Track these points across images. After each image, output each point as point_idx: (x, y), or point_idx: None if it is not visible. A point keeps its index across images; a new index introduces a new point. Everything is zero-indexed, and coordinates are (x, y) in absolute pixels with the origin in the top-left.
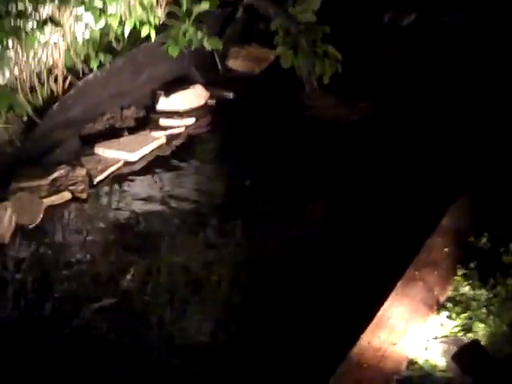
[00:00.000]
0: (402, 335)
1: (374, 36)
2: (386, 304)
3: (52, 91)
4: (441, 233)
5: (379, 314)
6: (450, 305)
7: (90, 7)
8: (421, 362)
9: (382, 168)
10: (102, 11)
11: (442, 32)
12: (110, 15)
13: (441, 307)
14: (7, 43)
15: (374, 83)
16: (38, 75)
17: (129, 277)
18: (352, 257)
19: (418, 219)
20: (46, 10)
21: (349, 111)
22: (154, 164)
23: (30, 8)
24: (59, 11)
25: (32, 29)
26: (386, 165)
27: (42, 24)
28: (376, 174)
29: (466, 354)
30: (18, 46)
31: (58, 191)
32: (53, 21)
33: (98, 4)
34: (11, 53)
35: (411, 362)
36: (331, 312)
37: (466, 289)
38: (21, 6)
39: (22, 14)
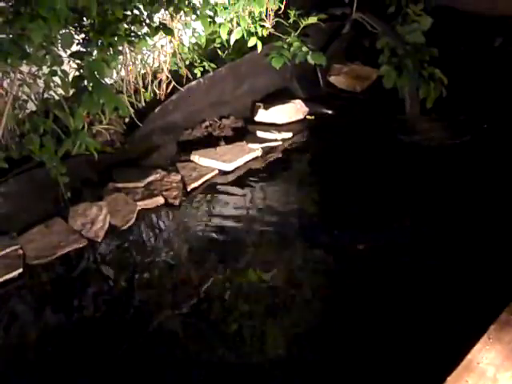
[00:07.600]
0: (491, 382)
1: (483, 60)
2: (477, 347)
3: (155, 95)
4: None
5: (468, 356)
6: None
7: (201, 16)
8: None
9: (478, 200)
10: (213, 20)
11: None
12: (220, 25)
13: None
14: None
15: (477, 112)
16: (143, 78)
17: (209, 285)
18: (441, 292)
19: None
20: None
21: (450, 139)
22: (248, 176)
23: (144, 14)
24: (171, 18)
25: (144, 34)
26: (482, 197)
27: (154, 30)
28: (473, 207)
29: None
30: (127, 49)
31: (151, 195)
32: (165, 28)
33: (209, 13)
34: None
35: None
36: (416, 348)
37: None
38: (136, 12)
39: (136, 20)
